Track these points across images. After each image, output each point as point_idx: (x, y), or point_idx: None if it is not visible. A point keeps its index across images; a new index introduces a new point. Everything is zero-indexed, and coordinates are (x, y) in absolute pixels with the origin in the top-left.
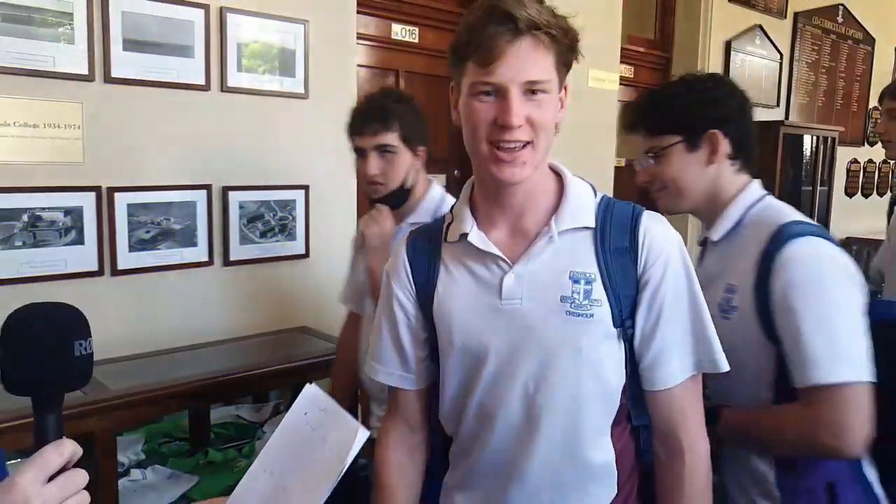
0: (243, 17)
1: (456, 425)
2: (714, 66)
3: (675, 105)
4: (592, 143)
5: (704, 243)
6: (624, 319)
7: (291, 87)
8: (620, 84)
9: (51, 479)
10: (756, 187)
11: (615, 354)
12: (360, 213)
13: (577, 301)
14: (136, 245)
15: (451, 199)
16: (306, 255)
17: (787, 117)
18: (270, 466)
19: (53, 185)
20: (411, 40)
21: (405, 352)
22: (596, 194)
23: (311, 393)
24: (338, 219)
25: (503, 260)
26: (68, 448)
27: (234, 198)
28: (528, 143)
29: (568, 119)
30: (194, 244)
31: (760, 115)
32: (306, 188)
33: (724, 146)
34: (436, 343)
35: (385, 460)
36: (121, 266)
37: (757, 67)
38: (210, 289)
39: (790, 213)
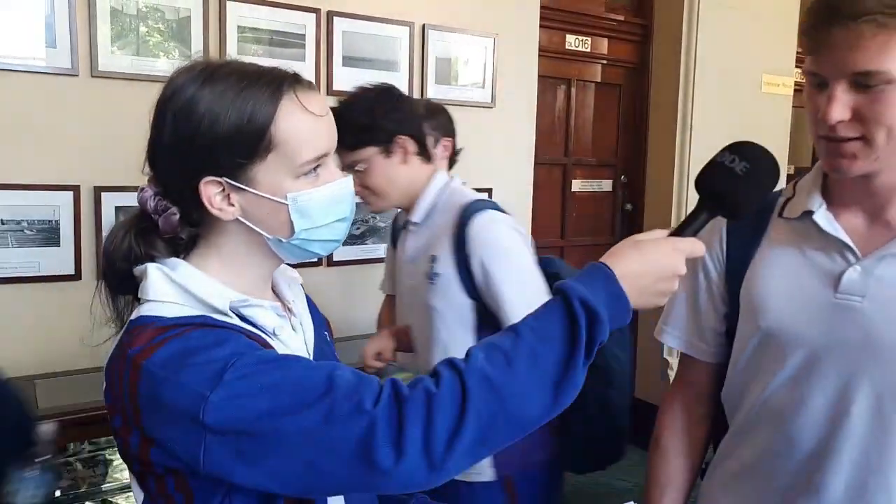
0: (442, 34)
1: (735, 411)
2: None
3: (362, 121)
4: None
5: (405, 225)
6: None
7: (480, 97)
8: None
9: None
10: (442, 175)
11: None
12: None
13: None
14: (347, 240)
15: None
16: None
17: None
18: None
19: None
20: (584, 50)
21: (700, 320)
22: None
23: None
24: (516, 219)
25: (850, 249)
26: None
27: None
28: (858, 137)
29: (739, 123)
30: None
31: None
32: (489, 191)
33: (411, 147)
34: (735, 321)
35: (666, 425)
36: (335, 259)
37: None
38: None
39: (471, 195)
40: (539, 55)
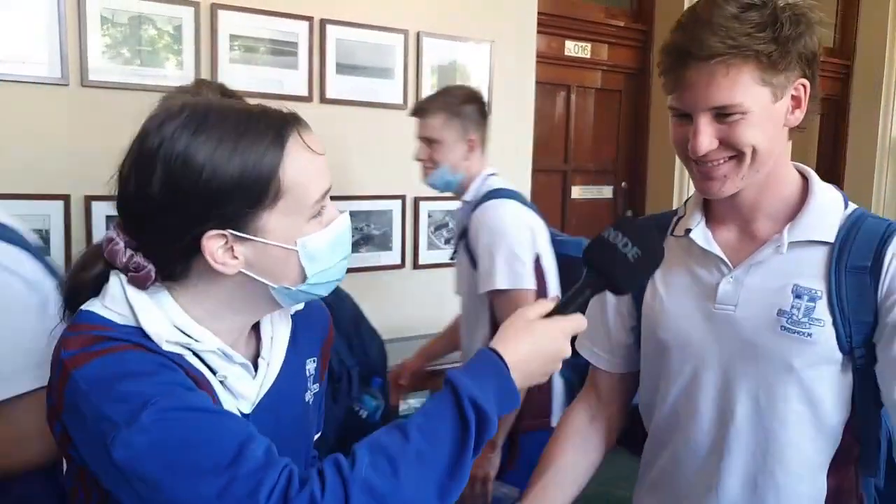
0: (437, 41)
1: (650, 421)
2: None
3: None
4: None
5: None
6: (854, 347)
7: None
8: None
9: None
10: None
11: (837, 382)
12: None
13: (796, 317)
14: None
15: None
16: None
17: None
18: None
19: None
20: (583, 56)
21: (610, 334)
22: (847, 205)
23: None
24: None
25: (724, 263)
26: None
27: (424, 207)
28: (731, 157)
29: None
30: (389, 249)
31: None
32: None
33: None
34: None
35: (565, 422)
36: None
37: None
38: (401, 289)
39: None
40: (538, 61)
